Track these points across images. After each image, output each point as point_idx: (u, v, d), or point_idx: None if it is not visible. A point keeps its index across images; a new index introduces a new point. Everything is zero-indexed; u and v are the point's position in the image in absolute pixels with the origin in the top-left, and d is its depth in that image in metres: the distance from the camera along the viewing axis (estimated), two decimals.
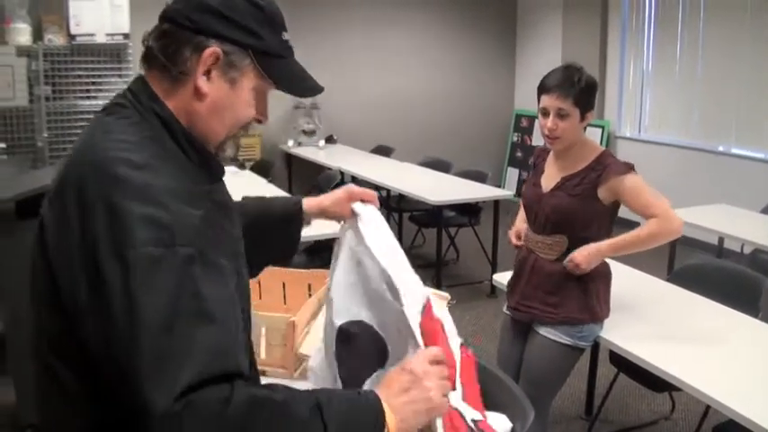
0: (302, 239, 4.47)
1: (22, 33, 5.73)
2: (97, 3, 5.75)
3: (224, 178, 1.28)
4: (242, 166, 5.94)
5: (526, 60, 8.36)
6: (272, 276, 2.50)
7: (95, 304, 0.98)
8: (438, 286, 5.01)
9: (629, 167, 2.35)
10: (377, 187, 5.94)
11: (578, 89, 2.30)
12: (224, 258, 1.08)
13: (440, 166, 6.14)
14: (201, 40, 1.13)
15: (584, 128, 2.40)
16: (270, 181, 5.50)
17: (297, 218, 1.69)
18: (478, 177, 5.51)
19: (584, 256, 2.36)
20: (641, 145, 7.15)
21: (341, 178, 6.36)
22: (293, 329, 2.02)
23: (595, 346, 2.72)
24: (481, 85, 8.46)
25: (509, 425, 1.72)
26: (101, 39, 5.67)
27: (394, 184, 5.48)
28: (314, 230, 3.87)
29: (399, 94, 8.14)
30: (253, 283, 2.48)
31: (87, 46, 5.79)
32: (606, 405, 3.30)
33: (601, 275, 2.47)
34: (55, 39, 5.84)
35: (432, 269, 5.26)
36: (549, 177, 2.49)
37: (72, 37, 5.83)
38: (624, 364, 2.57)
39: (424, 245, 6.29)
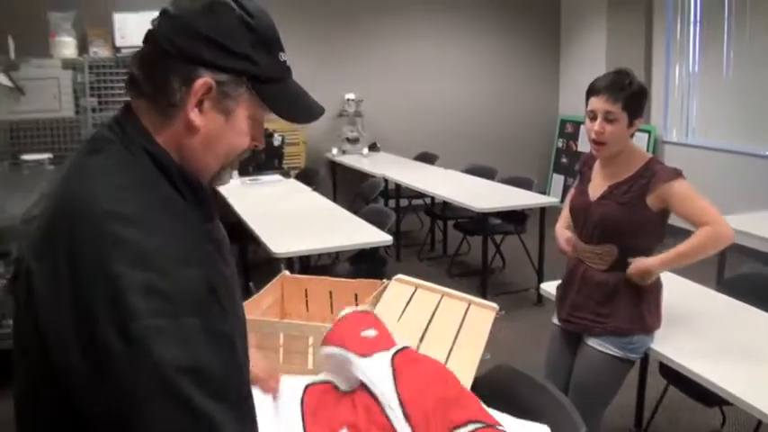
0: (346, 248, 4.50)
1: (67, 46, 5.89)
2: (142, 15, 5.87)
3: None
4: (287, 175, 6.00)
5: (570, 65, 8.28)
6: (319, 286, 2.52)
7: (95, 376, 0.91)
8: (484, 295, 4.98)
9: (678, 173, 2.30)
10: (420, 195, 5.96)
11: (628, 93, 2.26)
12: (226, 324, 1.01)
13: (485, 172, 6.11)
14: (191, 70, 1.03)
15: (632, 135, 2.36)
16: (314, 189, 5.53)
17: None
18: (524, 184, 5.47)
19: (637, 274, 2.34)
20: (688, 150, 7.02)
21: (385, 186, 6.39)
22: None
23: (645, 358, 2.67)
24: (525, 91, 8.41)
25: None
26: None
27: (438, 191, 5.47)
28: (359, 239, 3.94)
29: (443, 101, 8.13)
30: (299, 292, 2.53)
31: (132, 61, 5.92)
32: (656, 418, 3.24)
33: (652, 285, 2.43)
34: (100, 51, 5.99)
35: (477, 277, 5.24)
36: (597, 185, 2.46)
37: (117, 49, 5.99)
38: (674, 376, 2.52)
39: (469, 252, 6.26)
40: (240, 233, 4.59)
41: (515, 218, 5.36)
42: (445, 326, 2.23)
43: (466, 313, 2.29)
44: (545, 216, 5.06)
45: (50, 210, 1.02)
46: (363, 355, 1.66)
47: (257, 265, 5.31)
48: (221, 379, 0.95)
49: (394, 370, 1.62)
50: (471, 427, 1.58)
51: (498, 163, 6.57)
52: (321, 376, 1.76)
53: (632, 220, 2.33)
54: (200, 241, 1.04)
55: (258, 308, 2.38)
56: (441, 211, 6.27)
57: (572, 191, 2.67)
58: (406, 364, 1.64)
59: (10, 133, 5.60)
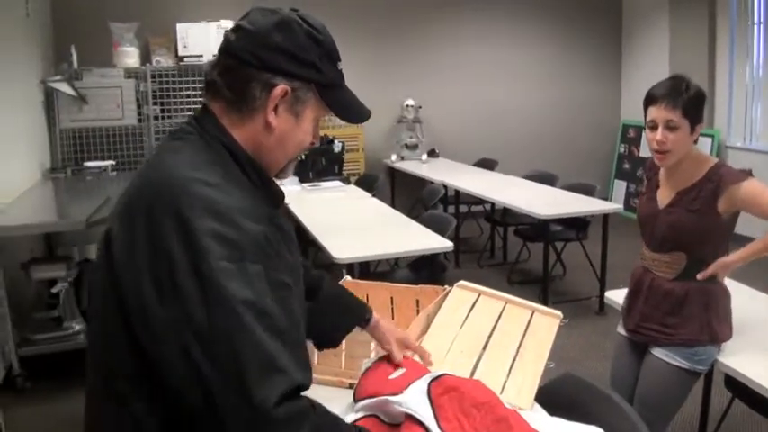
0: (406, 254, 4.51)
1: (129, 56, 6.07)
2: (204, 26, 6.03)
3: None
4: (346, 181, 6.03)
5: (632, 69, 8.13)
6: (380, 291, 2.53)
7: (173, 317, 1.03)
8: (545, 302, 4.92)
9: (747, 173, 2.23)
10: (480, 201, 5.92)
11: (687, 98, 2.20)
12: (287, 277, 1.15)
13: (545, 179, 6.03)
14: (269, 78, 1.19)
15: (695, 141, 2.30)
16: (374, 195, 5.55)
17: (356, 317, 1.75)
18: (586, 190, 5.38)
19: (716, 270, 2.29)
20: (753, 155, 6.81)
21: (444, 192, 6.37)
22: None
23: (710, 370, 2.59)
24: (586, 95, 8.29)
25: None
26: (207, 59, 5.94)
27: (498, 197, 5.42)
28: (419, 245, 3.93)
29: (502, 106, 8.08)
30: (361, 297, 2.54)
31: (194, 66, 6.07)
32: (721, 431, 3.14)
33: (722, 294, 2.36)
34: (163, 60, 6.14)
35: (537, 285, 5.18)
36: (664, 193, 2.40)
37: (180, 59, 6.13)
38: (740, 389, 2.44)
39: (529, 259, 6.20)
40: (300, 238, 4.62)
41: (577, 224, 5.28)
42: (509, 333, 2.21)
43: (530, 321, 2.27)
44: (607, 223, 4.97)
45: (135, 184, 1.16)
46: (396, 393, 1.63)
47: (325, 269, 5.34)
48: (278, 318, 1.06)
49: (432, 402, 1.56)
50: None
51: (559, 169, 6.49)
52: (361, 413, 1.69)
53: (702, 228, 2.27)
54: (266, 216, 1.16)
55: None
56: (500, 217, 6.22)
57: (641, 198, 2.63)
58: (445, 393, 1.60)
59: (73, 141, 5.78)
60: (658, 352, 2.37)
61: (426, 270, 4.24)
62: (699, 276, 2.30)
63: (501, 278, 5.94)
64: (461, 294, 2.39)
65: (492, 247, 6.71)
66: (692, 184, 2.30)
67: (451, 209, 6.44)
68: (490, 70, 8.02)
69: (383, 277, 4.44)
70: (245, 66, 1.19)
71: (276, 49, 1.19)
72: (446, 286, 2.43)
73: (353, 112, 1.33)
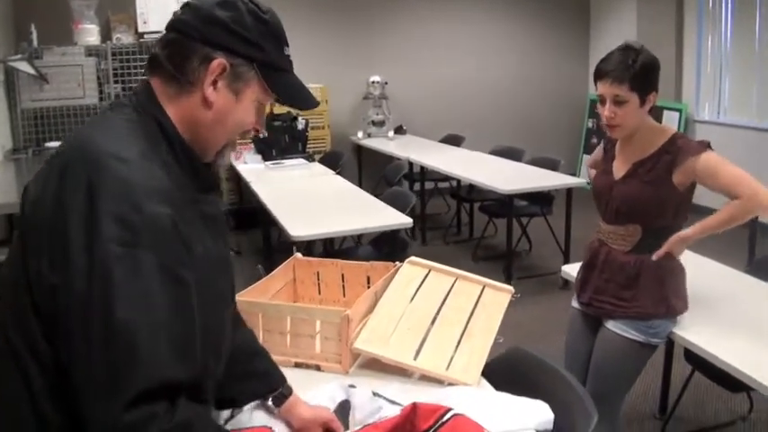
0: (365, 231, 4.46)
1: (90, 34, 5.91)
2: (164, 1, 5.85)
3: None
4: (311, 158, 5.95)
5: (601, 42, 8.07)
6: (330, 268, 2.47)
7: (58, 284, 1.03)
8: (508, 278, 4.90)
9: (705, 145, 2.18)
10: (446, 177, 5.87)
11: (634, 72, 2.14)
12: (185, 270, 1.10)
13: (511, 154, 6.00)
14: (209, 52, 1.19)
15: (649, 110, 2.25)
16: (338, 172, 5.48)
17: (267, 384, 1.59)
18: (551, 165, 5.36)
19: (672, 246, 2.25)
20: (721, 128, 6.83)
21: (409, 168, 6.32)
22: (348, 324, 1.97)
23: (670, 342, 2.57)
24: (554, 70, 8.24)
25: (550, 415, 1.64)
26: None
27: (464, 173, 5.39)
28: (379, 222, 3.87)
29: (470, 82, 8.02)
30: (311, 275, 2.48)
31: (155, 44, 5.92)
32: (681, 403, 3.14)
33: (677, 268, 2.33)
34: (123, 37, 5.98)
35: (503, 261, 5.15)
36: (620, 164, 2.35)
37: (140, 35, 5.96)
38: (699, 362, 2.42)
39: (495, 235, 6.16)
40: (262, 218, 4.57)
41: (541, 199, 5.25)
42: (458, 309, 2.17)
43: (480, 296, 2.22)
44: (571, 197, 4.94)
45: (58, 150, 1.17)
46: None
47: (283, 249, 5.28)
48: (158, 310, 1.04)
49: None
50: None
51: (527, 144, 6.47)
52: None
53: (657, 199, 2.23)
54: (183, 201, 1.14)
55: (268, 291, 2.34)
56: (467, 193, 6.19)
57: (592, 160, 2.58)
58: None
59: (35, 121, 5.64)
60: (612, 325, 2.34)
61: (388, 246, 4.19)
62: (654, 257, 2.26)
63: (467, 254, 5.91)
64: (411, 271, 2.34)
65: (458, 224, 6.68)
66: (648, 156, 2.26)
67: (418, 186, 6.38)
68: (458, 45, 7.94)
69: (346, 255, 4.38)
70: (187, 39, 1.19)
71: (218, 24, 1.18)
72: (397, 263, 2.38)
73: (297, 97, 1.31)
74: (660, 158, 2.22)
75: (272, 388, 1.58)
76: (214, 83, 1.19)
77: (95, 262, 1.01)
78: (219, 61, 1.18)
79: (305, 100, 1.32)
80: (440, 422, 1.49)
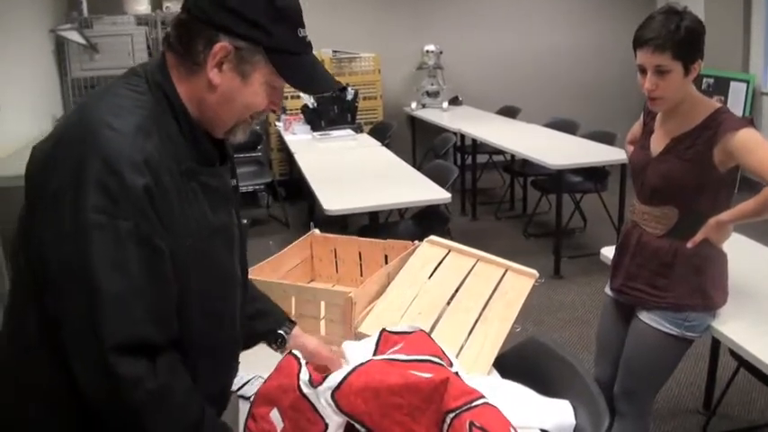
0: (410, 206, 4.33)
1: (140, 3, 5.92)
2: None
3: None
4: (359, 129, 5.84)
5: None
6: (348, 245, 2.37)
7: (46, 237, 1.10)
8: (557, 257, 4.70)
9: (747, 122, 1.96)
10: (500, 151, 5.67)
11: (678, 39, 1.91)
12: (160, 239, 1.13)
13: (566, 127, 5.76)
14: (213, 35, 1.18)
15: (694, 80, 2.03)
16: (385, 144, 5.35)
17: (268, 323, 1.63)
18: (607, 139, 5.10)
19: (708, 232, 2.04)
20: None
21: (461, 141, 6.14)
22: (351, 306, 1.87)
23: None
24: (615, 41, 7.74)
25: (571, 420, 1.58)
26: None
27: (514, 146, 5.17)
28: (417, 196, 3.75)
29: (528, 51, 7.75)
30: (329, 252, 2.38)
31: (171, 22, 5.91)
32: (726, 399, 2.92)
33: (717, 255, 2.13)
34: (173, 6, 5.96)
35: (553, 238, 4.94)
36: (658, 139, 2.15)
37: None
38: (744, 358, 2.22)
39: (549, 211, 5.94)
40: (303, 189, 4.49)
41: (596, 175, 5.01)
42: (475, 293, 2.04)
43: (500, 280, 2.08)
44: (626, 173, 4.68)
45: (67, 114, 1.24)
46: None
47: (327, 222, 5.21)
48: (135, 276, 1.09)
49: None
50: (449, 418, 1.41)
51: (584, 117, 6.19)
52: None
53: (696, 179, 2.03)
54: (177, 173, 1.17)
55: (281, 268, 2.25)
56: (520, 167, 5.97)
57: (631, 134, 2.39)
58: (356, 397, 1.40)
59: (84, 90, 5.68)
60: (645, 316, 2.16)
61: (428, 221, 4.06)
62: (689, 243, 2.06)
63: (517, 231, 5.72)
64: (430, 251, 2.21)
65: (512, 199, 6.47)
66: (688, 130, 2.05)
67: (470, 159, 6.21)
68: (515, 13, 7.66)
69: (388, 229, 4.28)
70: (194, 20, 1.19)
71: (223, 7, 1.17)
72: (416, 242, 2.25)
73: (308, 82, 1.28)
74: (701, 134, 2.01)
75: (275, 326, 1.61)
76: (219, 65, 1.19)
77: (78, 228, 1.06)
78: (222, 45, 1.17)
79: (317, 84, 1.30)
80: (468, 406, 1.41)
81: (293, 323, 1.64)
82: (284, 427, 1.44)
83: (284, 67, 1.22)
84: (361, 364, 1.44)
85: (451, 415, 1.39)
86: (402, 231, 4.11)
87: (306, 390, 1.42)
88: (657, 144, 2.15)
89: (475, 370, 1.76)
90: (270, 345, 1.61)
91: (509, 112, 6.84)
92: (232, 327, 1.37)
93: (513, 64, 7.72)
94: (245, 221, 1.45)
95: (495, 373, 1.78)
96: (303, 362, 1.49)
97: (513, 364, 1.82)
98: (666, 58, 1.93)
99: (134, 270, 1.09)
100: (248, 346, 1.56)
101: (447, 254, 2.19)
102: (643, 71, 2.01)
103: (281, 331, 1.60)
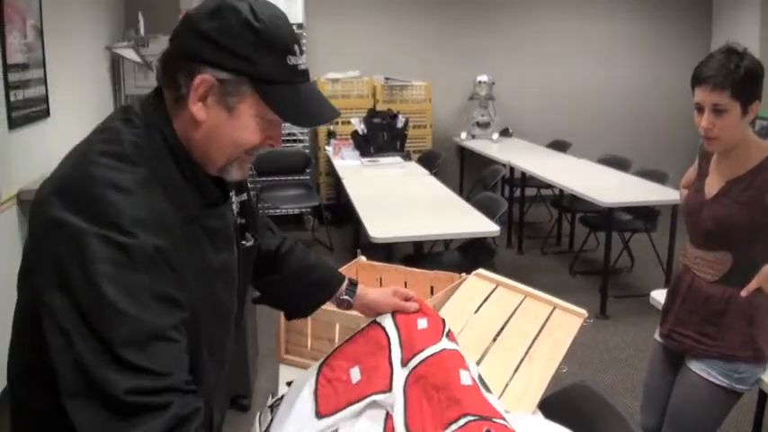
0: (447, 237, 4.29)
1: None
2: None
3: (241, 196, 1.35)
4: (407, 157, 5.85)
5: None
6: (394, 275, 2.37)
7: (50, 298, 1.01)
8: (603, 297, 4.62)
9: None
10: (549, 185, 5.63)
11: (736, 78, 1.89)
12: (177, 292, 1.06)
13: (617, 163, 5.70)
14: (193, 67, 1.10)
15: (752, 122, 1.99)
16: (434, 173, 5.35)
17: (328, 291, 1.69)
18: (658, 178, 5.03)
19: (762, 280, 1.98)
20: None
21: (510, 174, 6.11)
22: None
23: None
24: (671, 77, 7.65)
25: None
26: None
27: (564, 182, 5.13)
28: (464, 228, 3.73)
29: (581, 85, 7.69)
30: (374, 280, 2.38)
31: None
32: None
33: None
34: None
35: (601, 276, 4.86)
36: (713, 182, 2.11)
37: None
38: None
39: (597, 249, 5.86)
40: (349, 214, 4.51)
41: (646, 214, 4.94)
42: (522, 331, 2.01)
43: (548, 318, 2.05)
44: (677, 214, 4.59)
45: (64, 159, 1.14)
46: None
47: (372, 248, 5.22)
48: (152, 338, 0.99)
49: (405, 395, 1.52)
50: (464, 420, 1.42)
51: (636, 154, 6.13)
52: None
53: (751, 223, 1.98)
54: (181, 221, 1.11)
55: None
56: (569, 203, 5.91)
57: (686, 179, 2.35)
58: (415, 383, 1.53)
59: None
60: (694, 365, 2.11)
61: (474, 253, 4.04)
62: (743, 292, 2.01)
63: (564, 267, 5.64)
64: (477, 284, 2.19)
65: (558, 234, 6.40)
66: (743, 173, 2.01)
67: (519, 192, 6.17)
68: (569, 46, 7.63)
69: (432, 259, 4.26)
70: (176, 53, 1.13)
71: (202, 37, 1.09)
72: (463, 274, 2.24)
73: (300, 113, 1.16)
74: (756, 176, 1.97)
75: (332, 292, 1.66)
76: (203, 99, 1.11)
77: (90, 282, 0.98)
78: (203, 77, 1.10)
79: (310, 116, 1.18)
80: (489, 418, 1.44)
81: (355, 285, 1.69)
82: (360, 380, 1.55)
83: (272, 98, 1.13)
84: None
85: (470, 418, 1.41)
86: (447, 262, 4.09)
87: (395, 362, 1.56)
88: (712, 187, 2.11)
89: (519, 409, 1.73)
90: (338, 307, 1.69)
91: (559, 146, 6.80)
92: (222, 354, 1.32)
93: (565, 97, 7.68)
94: (250, 243, 1.40)
95: (540, 414, 1.74)
96: (392, 337, 1.62)
97: (558, 406, 1.78)
98: (725, 96, 1.91)
99: (151, 327, 1.02)
100: (311, 310, 1.70)
101: (495, 288, 2.17)
102: (700, 109, 1.98)
103: (345, 297, 1.67)
